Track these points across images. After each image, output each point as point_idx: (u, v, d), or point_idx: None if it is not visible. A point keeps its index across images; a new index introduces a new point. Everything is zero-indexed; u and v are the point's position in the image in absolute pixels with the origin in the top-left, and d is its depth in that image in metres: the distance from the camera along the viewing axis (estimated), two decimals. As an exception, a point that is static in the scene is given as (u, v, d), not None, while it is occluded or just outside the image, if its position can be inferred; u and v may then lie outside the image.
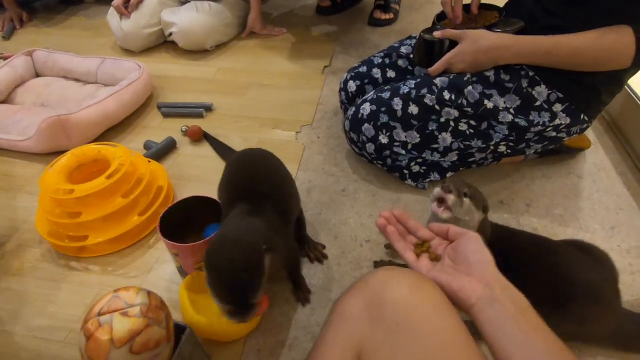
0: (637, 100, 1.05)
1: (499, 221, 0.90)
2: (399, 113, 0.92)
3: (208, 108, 1.27)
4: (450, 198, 0.63)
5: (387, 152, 0.96)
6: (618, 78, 0.81)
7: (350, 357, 0.42)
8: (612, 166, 1.04)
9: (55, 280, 0.82)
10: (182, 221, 0.78)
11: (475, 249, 0.49)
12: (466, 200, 0.64)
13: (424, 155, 0.96)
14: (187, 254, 0.73)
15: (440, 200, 0.65)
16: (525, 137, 0.90)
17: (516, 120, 0.85)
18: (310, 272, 0.83)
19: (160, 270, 0.82)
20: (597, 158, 1.07)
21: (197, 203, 0.79)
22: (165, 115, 1.26)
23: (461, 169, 1.00)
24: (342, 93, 1.13)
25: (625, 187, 0.99)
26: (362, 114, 0.96)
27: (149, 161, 0.98)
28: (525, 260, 0.67)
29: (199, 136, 1.15)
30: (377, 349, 0.41)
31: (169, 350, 0.53)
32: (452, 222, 0.65)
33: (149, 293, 0.52)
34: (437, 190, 0.65)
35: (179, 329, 0.60)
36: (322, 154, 1.11)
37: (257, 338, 0.72)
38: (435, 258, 0.53)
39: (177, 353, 0.56)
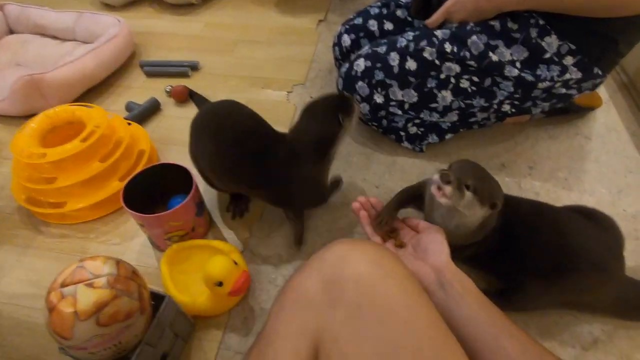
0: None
1: (500, 185, 0.86)
2: (396, 69, 0.85)
3: (194, 67, 1.19)
4: (448, 190, 0.54)
5: (383, 113, 0.90)
6: (638, 25, 0.72)
7: (306, 345, 0.38)
8: (624, 127, 0.98)
9: (35, 248, 0.79)
10: (151, 190, 0.74)
11: (435, 241, 0.55)
12: (468, 193, 0.54)
13: (422, 115, 0.89)
14: (153, 225, 0.70)
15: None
16: (532, 95, 0.83)
17: (522, 75, 0.78)
18: (299, 238, 0.79)
19: (144, 237, 0.79)
20: (608, 118, 1.00)
21: (166, 171, 0.75)
22: (149, 74, 1.18)
23: (461, 130, 0.93)
24: (336, 48, 1.04)
25: (636, 148, 0.93)
26: (356, 71, 0.89)
27: (129, 123, 0.92)
28: (528, 231, 0.62)
29: (185, 97, 1.08)
30: (338, 336, 0.37)
31: (145, 320, 0.51)
32: (451, 211, 0.58)
33: (118, 263, 0.49)
34: (435, 177, 0.57)
35: (159, 298, 0.58)
36: (315, 115, 1.04)
37: (244, 305, 0.70)
38: (400, 245, 0.59)
39: (155, 323, 0.54)
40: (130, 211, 0.68)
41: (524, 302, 0.63)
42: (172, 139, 0.99)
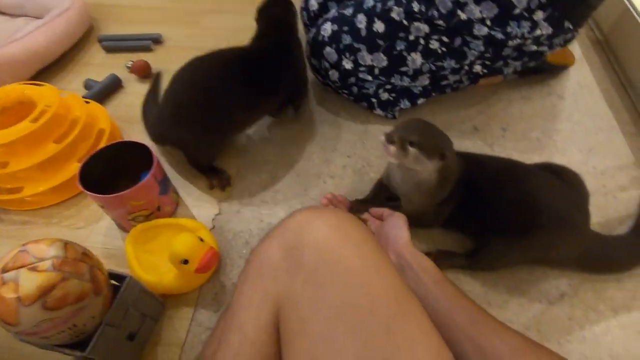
0: (636, 16, 0.93)
1: (473, 148, 0.85)
2: (364, 32, 0.81)
3: (157, 40, 1.13)
4: (392, 149, 0.57)
5: (353, 80, 0.87)
6: (609, -25, 0.70)
7: (269, 311, 0.39)
8: (597, 84, 0.97)
9: (-5, 236, 0.76)
10: (114, 170, 0.71)
11: (396, 227, 0.58)
12: (412, 150, 0.56)
13: (392, 80, 0.86)
14: (114, 205, 0.67)
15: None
16: (503, 54, 0.80)
17: (492, 33, 0.75)
18: (271, 211, 0.78)
19: (109, 219, 0.76)
20: (581, 76, 0.99)
21: (127, 149, 0.71)
22: (108, 50, 1.12)
23: (434, 94, 0.91)
24: (304, 13, 0.99)
25: (607, 105, 0.92)
26: (323, 36, 0.85)
27: (86, 102, 0.87)
28: (495, 188, 0.62)
29: (147, 72, 1.03)
30: (297, 301, 0.37)
31: (102, 301, 0.49)
32: (407, 171, 0.61)
33: (65, 244, 0.46)
34: (381, 138, 0.58)
35: (122, 279, 0.56)
36: (284, 86, 1.01)
37: (214, 282, 0.69)
38: None
39: (116, 303, 0.52)
40: (88, 192, 0.65)
41: (491, 260, 0.63)
42: (135, 117, 0.94)
